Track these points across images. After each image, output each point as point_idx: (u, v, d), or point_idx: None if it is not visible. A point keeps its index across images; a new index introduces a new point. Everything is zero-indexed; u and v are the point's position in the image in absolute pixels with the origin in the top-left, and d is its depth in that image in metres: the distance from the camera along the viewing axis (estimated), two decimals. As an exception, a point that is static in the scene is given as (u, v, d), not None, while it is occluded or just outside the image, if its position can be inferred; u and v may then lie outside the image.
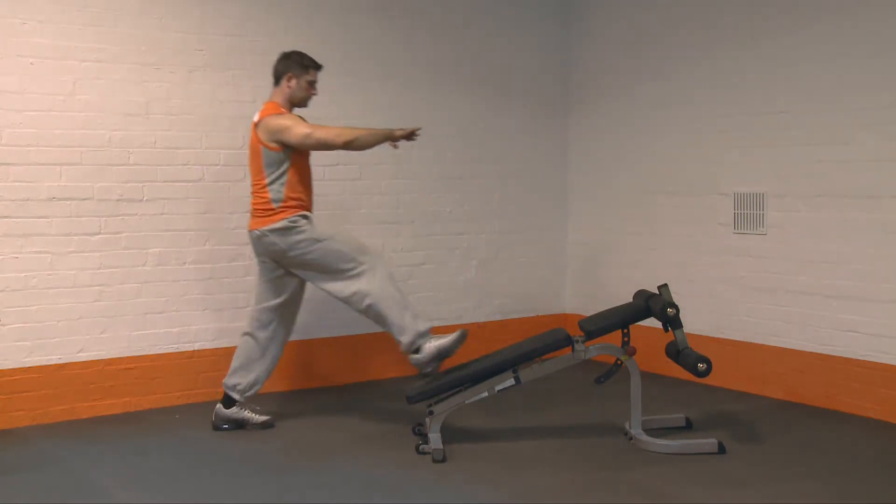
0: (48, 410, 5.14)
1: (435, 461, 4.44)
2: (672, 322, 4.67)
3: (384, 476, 4.28)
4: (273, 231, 4.82)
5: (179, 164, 5.51)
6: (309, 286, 5.08)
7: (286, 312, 5.04)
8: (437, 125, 6.40)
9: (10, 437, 4.90)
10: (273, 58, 5.77)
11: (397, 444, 4.74)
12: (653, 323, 4.87)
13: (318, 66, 5.05)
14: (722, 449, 4.55)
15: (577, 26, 6.98)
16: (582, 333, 4.80)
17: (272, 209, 4.84)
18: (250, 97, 5.73)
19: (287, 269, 4.94)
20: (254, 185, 4.94)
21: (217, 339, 5.65)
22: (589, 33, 6.91)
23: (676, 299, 4.81)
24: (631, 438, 4.71)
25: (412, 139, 4.91)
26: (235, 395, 5.00)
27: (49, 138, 5.12)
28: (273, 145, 4.83)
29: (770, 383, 5.70)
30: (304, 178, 4.93)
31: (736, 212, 5.87)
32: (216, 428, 5.02)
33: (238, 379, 5.00)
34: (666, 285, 4.85)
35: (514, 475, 4.28)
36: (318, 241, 4.81)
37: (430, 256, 6.49)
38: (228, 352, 5.64)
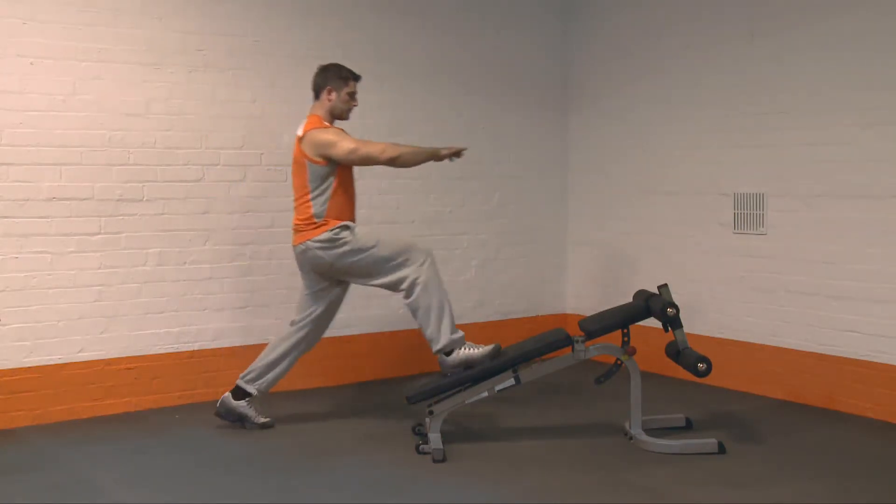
0: (48, 410, 5.14)
1: (435, 461, 4.44)
2: (672, 322, 4.67)
3: (384, 476, 4.28)
4: (317, 243, 4.82)
5: (179, 164, 5.51)
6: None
7: (322, 322, 5.08)
8: (436, 125, 6.39)
9: (10, 437, 4.90)
10: (273, 57, 5.81)
11: (397, 444, 4.74)
12: (653, 323, 4.87)
13: (356, 77, 5.00)
14: (722, 449, 4.55)
15: (577, 26, 6.98)
16: (582, 333, 4.80)
17: (314, 223, 4.83)
18: (250, 97, 5.73)
19: (333, 279, 4.96)
20: (297, 199, 4.91)
21: (217, 339, 5.65)
22: (588, 32, 6.91)
23: (676, 299, 4.81)
24: (631, 438, 4.71)
25: (457, 158, 4.94)
26: (251, 389, 5.00)
27: (49, 138, 5.12)
28: (318, 159, 4.79)
29: (770, 383, 5.70)
30: (348, 190, 4.92)
31: (736, 212, 5.87)
32: (218, 415, 5.02)
33: (260, 375, 5.01)
34: (666, 285, 4.85)
35: (514, 475, 4.28)
36: (362, 250, 4.81)
37: (430, 256, 6.48)
38: (228, 352, 5.66)
